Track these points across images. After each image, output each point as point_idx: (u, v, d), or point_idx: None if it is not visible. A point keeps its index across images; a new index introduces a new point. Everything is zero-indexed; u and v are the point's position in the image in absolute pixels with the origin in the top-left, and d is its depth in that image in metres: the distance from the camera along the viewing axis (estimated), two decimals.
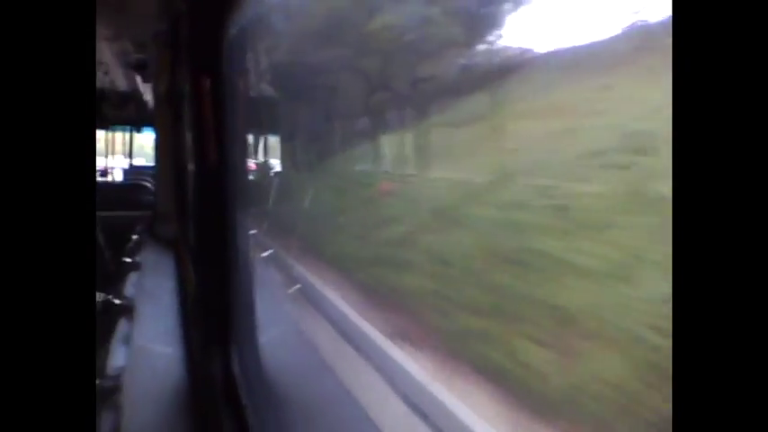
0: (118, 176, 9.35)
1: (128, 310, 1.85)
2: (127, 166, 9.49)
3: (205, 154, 1.52)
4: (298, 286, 1.73)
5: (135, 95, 8.77)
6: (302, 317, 1.65)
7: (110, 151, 9.93)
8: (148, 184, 6.48)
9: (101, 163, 9.63)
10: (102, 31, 5.32)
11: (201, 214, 1.64)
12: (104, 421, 1.22)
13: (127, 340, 1.67)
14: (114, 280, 2.33)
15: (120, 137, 9.80)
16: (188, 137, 3.23)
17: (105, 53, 6.34)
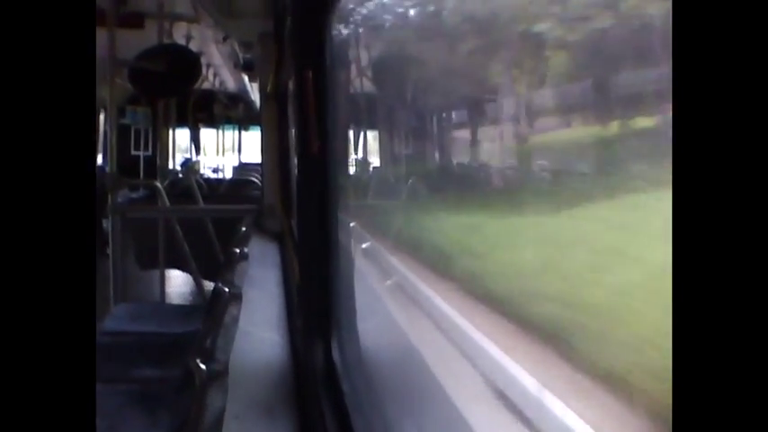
0: (228, 173, 9.86)
1: (236, 298, 1.94)
2: (236, 163, 9.99)
3: (308, 149, 1.57)
4: (394, 278, 1.76)
5: (243, 95, 9.22)
6: (397, 308, 1.67)
7: (220, 149, 10.48)
8: (256, 180, 6.80)
9: (212, 161, 10.19)
10: (210, 34, 5.63)
11: (304, 207, 1.69)
12: (211, 402, 1.28)
13: (234, 326, 1.75)
14: (223, 269, 2.46)
15: (229, 135, 10.33)
16: (292, 133, 3.35)
17: (214, 55, 6.72)
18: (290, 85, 2.65)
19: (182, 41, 5.74)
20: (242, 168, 9.36)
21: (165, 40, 5.00)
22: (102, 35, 3.91)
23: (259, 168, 6.32)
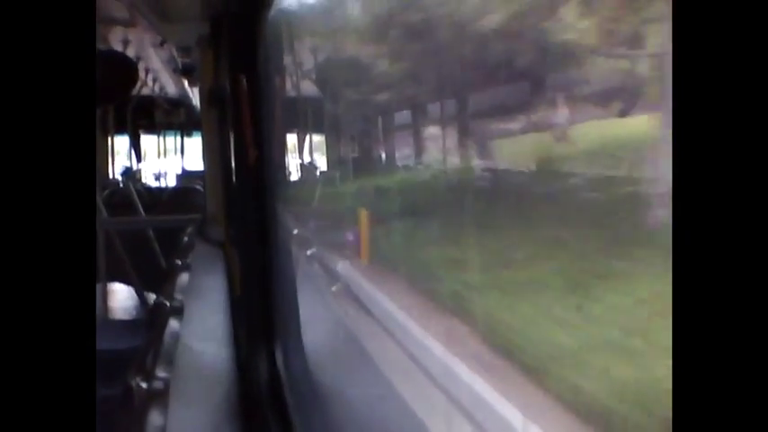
0: (171, 181, 9.62)
1: (177, 311, 1.88)
2: (179, 171, 9.76)
3: (244, 156, 1.53)
4: (340, 284, 1.74)
5: (184, 101, 9.01)
6: (345, 314, 1.66)
7: (162, 156, 10.23)
8: (199, 188, 6.65)
9: (155, 168, 9.93)
10: (149, 39, 5.48)
11: (243, 214, 1.65)
12: (151, 420, 1.24)
13: (176, 340, 1.70)
14: (165, 281, 2.38)
15: (171, 141, 10.09)
16: (230, 139, 3.28)
17: (153, 60, 6.54)
18: (227, 90, 2.60)
19: (118, 46, 5.56)
20: (185, 176, 9.16)
21: (100, 46, 4.83)
22: None
23: (202, 175, 6.18)
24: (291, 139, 2.69)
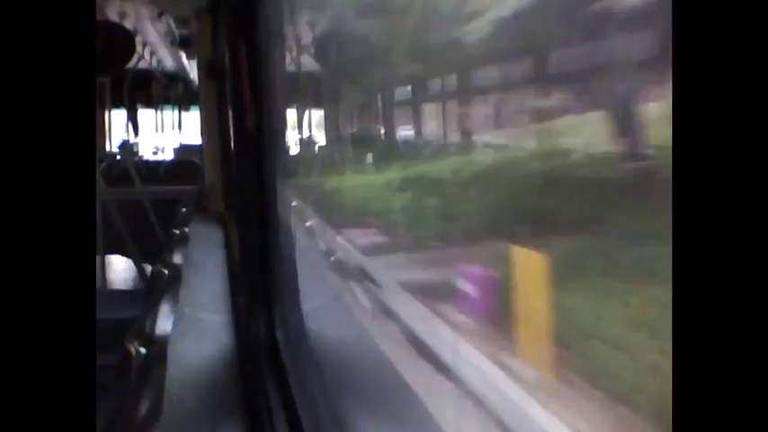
0: (169, 155, 9.59)
1: (175, 279, 1.91)
2: (176, 144, 9.73)
3: (243, 125, 1.54)
4: (337, 255, 1.75)
5: (181, 74, 8.94)
6: (341, 284, 1.67)
7: (159, 130, 10.18)
8: (197, 161, 6.64)
9: (152, 142, 9.89)
10: (145, 11, 5.43)
11: (243, 186, 1.66)
12: (150, 385, 1.26)
13: (174, 307, 1.72)
14: (163, 251, 2.40)
15: (168, 115, 10.04)
16: (229, 111, 3.28)
17: (150, 33, 6.47)
18: (227, 61, 2.59)
19: (115, 18, 5.51)
20: (182, 150, 9.13)
21: (97, 17, 4.79)
22: None
23: (199, 149, 6.16)
24: (291, 112, 2.68)
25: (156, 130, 10.12)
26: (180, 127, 9.92)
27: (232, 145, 2.30)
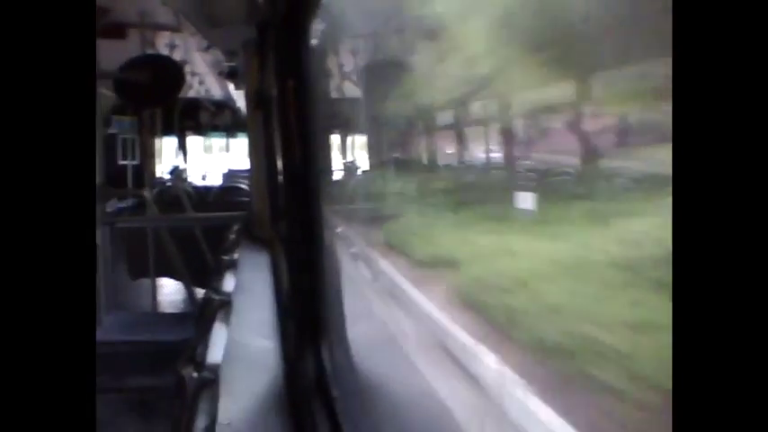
0: (216, 180, 9.85)
1: (226, 305, 1.96)
2: (224, 170, 9.99)
3: (291, 157, 1.58)
4: (383, 282, 1.77)
5: (228, 103, 9.21)
6: (387, 312, 1.69)
7: (208, 156, 10.46)
8: (244, 186, 6.79)
9: (200, 168, 10.17)
10: (195, 44, 5.63)
11: (290, 213, 1.71)
12: (202, 409, 1.30)
13: (224, 333, 1.76)
14: (213, 276, 2.47)
15: (216, 142, 10.31)
16: (276, 140, 3.36)
17: (199, 64, 6.70)
18: (275, 93, 2.67)
19: (165, 51, 5.73)
20: (230, 175, 9.37)
21: (149, 50, 5.00)
22: None
23: (246, 175, 6.30)
24: (335, 139, 2.73)
25: (204, 156, 10.40)
26: (227, 152, 10.18)
27: (279, 174, 2.36)
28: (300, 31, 1.55)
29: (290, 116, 1.58)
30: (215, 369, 1.55)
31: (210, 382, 1.48)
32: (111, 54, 4.28)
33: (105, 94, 4.82)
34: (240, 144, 9.82)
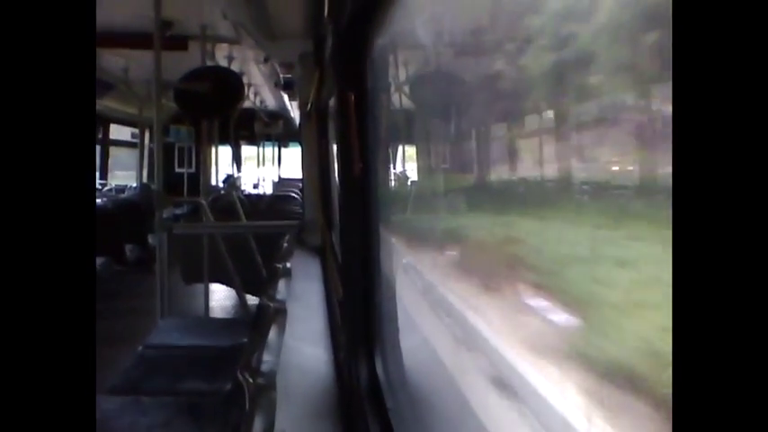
0: (268, 188, 10.04)
1: (280, 312, 1.99)
2: (276, 179, 10.18)
3: (350, 170, 1.61)
4: (434, 295, 1.77)
5: (282, 113, 9.39)
6: (437, 325, 1.68)
7: (261, 164, 10.67)
8: (296, 195, 6.91)
9: (253, 177, 10.39)
10: (251, 55, 5.77)
11: (346, 225, 1.73)
12: (260, 415, 1.32)
13: (280, 340, 1.80)
14: (267, 284, 2.51)
15: (269, 151, 10.52)
16: (331, 150, 3.41)
17: (255, 75, 6.87)
18: (331, 104, 2.71)
19: (223, 62, 5.90)
20: (281, 184, 9.54)
21: (209, 62, 5.16)
22: (148, 57, 4.06)
23: (297, 183, 6.39)
24: (392, 151, 2.75)
25: (258, 165, 10.62)
26: (279, 162, 10.37)
27: (333, 183, 2.39)
28: (363, 44, 1.57)
29: (349, 127, 1.61)
30: (271, 376, 1.58)
31: (267, 388, 1.50)
32: (173, 65, 4.43)
33: (165, 104, 4.99)
34: (292, 154, 9.99)
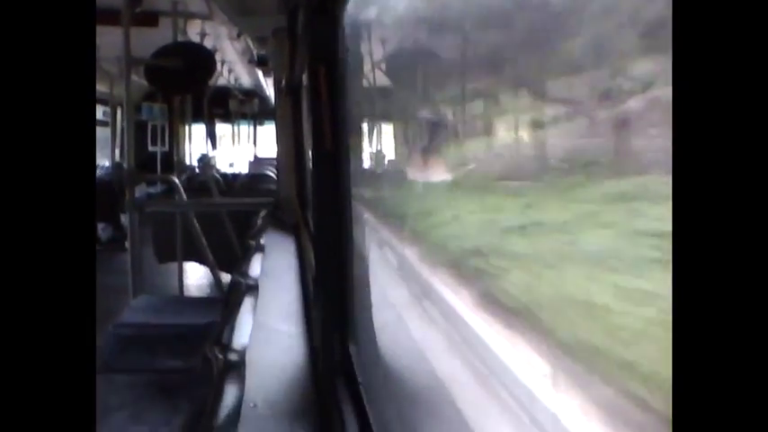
0: (244, 167, 9.95)
1: (253, 289, 1.98)
2: (252, 158, 10.08)
3: (322, 144, 1.59)
4: (407, 270, 1.78)
5: (257, 91, 9.27)
6: (409, 299, 1.69)
7: (235, 143, 10.56)
8: (271, 174, 6.86)
9: (228, 155, 10.28)
10: (224, 31, 5.67)
11: (319, 201, 1.72)
12: (228, 390, 1.32)
13: (251, 316, 1.79)
14: (240, 261, 2.49)
15: (245, 130, 10.40)
16: (305, 127, 3.38)
17: (229, 51, 6.76)
18: (304, 80, 2.68)
19: (196, 38, 5.79)
20: (257, 162, 9.46)
21: (180, 38, 5.05)
22: (117, 34, 3.96)
23: (273, 162, 6.34)
24: (365, 127, 2.73)
25: (233, 143, 10.50)
26: (255, 140, 10.27)
27: (308, 160, 2.37)
28: (332, 17, 1.55)
29: (321, 105, 1.59)
30: (241, 352, 1.57)
31: (237, 364, 1.50)
32: (144, 42, 4.33)
33: (136, 81, 4.89)
34: (268, 132, 9.90)
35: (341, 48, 1.59)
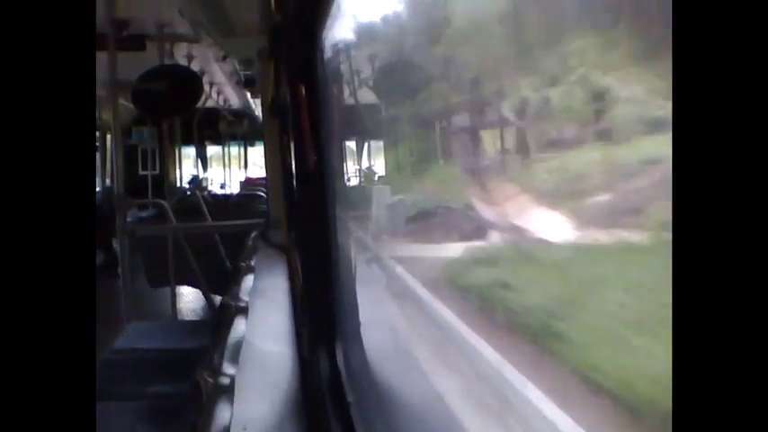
0: (235, 188, 9.94)
1: (243, 311, 1.97)
2: (243, 178, 10.09)
3: (305, 162, 1.59)
4: (398, 286, 1.77)
5: (246, 112, 9.30)
6: (401, 316, 1.68)
7: (227, 164, 10.56)
8: (262, 194, 6.85)
9: (219, 177, 10.28)
10: (211, 53, 5.69)
11: (304, 218, 1.72)
12: (218, 414, 1.30)
13: (241, 339, 1.77)
14: (231, 283, 2.48)
15: (235, 151, 10.42)
16: (292, 146, 3.38)
17: (216, 74, 6.78)
18: (287, 99, 2.68)
19: (183, 61, 5.81)
20: (248, 183, 9.46)
21: (167, 61, 5.07)
22: (103, 58, 3.97)
23: (264, 182, 6.33)
24: (350, 145, 2.73)
25: (224, 165, 10.51)
26: (245, 161, 10.28)
27: (294, 180, 2.36)
28: (311, 36, 1.56)
29: (302, 120, 1.59)
30: (232, 375, 1.56)
31: (226, 387, 1.48)
32: (132, 65, 4.34)
33: (125, 105, 4.90)
34: (258, 153, 9.92)
35: (321, 65, 1.60)
